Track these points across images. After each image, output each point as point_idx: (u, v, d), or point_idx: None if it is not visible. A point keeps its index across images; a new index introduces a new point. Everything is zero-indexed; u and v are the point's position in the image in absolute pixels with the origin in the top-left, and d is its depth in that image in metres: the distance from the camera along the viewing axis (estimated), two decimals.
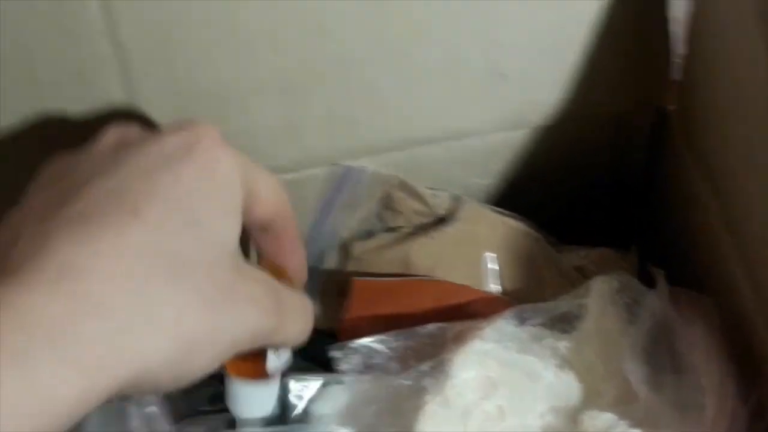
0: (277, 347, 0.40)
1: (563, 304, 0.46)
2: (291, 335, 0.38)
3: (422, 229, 0.53)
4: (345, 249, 0.54)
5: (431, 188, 0.54)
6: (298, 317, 0.38)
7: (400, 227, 0.54)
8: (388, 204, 0.54)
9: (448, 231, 0.52)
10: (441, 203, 0.54)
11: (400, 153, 0.53)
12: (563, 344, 0.45)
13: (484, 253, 0.52)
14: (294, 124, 0.50)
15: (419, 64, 0.49)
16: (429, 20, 0.47)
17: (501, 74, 0.49)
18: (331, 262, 0.55)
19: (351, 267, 0.53)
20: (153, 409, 0.41)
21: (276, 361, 0.41)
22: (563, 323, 0.46)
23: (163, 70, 0.47)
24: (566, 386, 0.44)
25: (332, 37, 0.47)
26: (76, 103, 0.47)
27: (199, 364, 0.32)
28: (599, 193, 0.57)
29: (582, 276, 0.51)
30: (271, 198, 0.39)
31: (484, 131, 0.52)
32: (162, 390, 0.32)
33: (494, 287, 0.51)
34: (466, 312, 0.48)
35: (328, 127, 0.51)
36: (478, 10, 0.47)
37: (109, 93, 0.47)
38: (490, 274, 0.51)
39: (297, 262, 0.43)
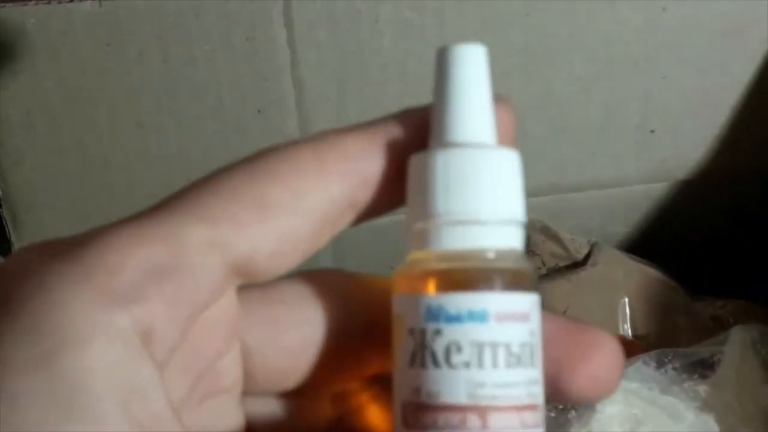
0: None
1: (702, 351, 0.48)
2: None
3: (557, 272, 0.56)
4: None
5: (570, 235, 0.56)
6: None
7: (536, 269, 0.56)
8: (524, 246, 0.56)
9: (584, 275, 0.55)
10: (579, 248, 0.56)
11: (543, 198, 0.55)
12: (703, 388, 0.47)
13: (618, 297, 0.54)
14: None
15: (575, 117, 0.52)
16: (590, 77, 0.51)
17: (650, 130, 0.52)
18: None
19: None
20: None
21: None
22: (702, 368, 0.48)
23: (336, 108, 0.51)
24: (706, 427, 0.46)
25: (497, 87, 0.50)
26: (255, 134, 0.51)
27: None
28: (738, 245, 0.59)
29: (718, 325, 0.53)
30: None
31: (628, 183, 0.55)
32: None
33: (627, 331, 0.53)
34: None
35: None
36: (638, 70, 0.51)
37: (285, 128, 0.51)
38: (624, 318, 0.53)
39: None
